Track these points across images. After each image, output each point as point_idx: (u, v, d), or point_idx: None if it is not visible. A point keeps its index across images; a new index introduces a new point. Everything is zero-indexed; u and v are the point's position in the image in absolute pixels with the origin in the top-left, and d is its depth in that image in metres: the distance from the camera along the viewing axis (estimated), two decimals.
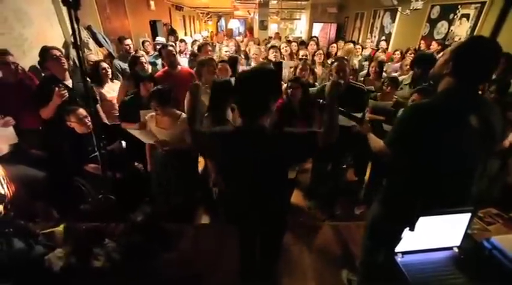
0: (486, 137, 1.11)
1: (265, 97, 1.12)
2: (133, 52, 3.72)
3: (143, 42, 4.60)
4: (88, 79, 2.50)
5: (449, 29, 4.72)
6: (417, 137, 1.13)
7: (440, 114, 1.10)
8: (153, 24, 6.92)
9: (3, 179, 1.52)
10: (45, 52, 2.29)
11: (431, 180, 1.16)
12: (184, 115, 2.17)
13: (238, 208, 1.42)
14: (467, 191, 1.22)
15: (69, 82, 2.33)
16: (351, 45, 4.99)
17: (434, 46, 4.43)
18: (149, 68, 3.22)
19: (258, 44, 5.47)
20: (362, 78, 3.41)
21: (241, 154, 1.17)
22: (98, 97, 2.62)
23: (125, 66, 3.48)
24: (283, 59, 3.86)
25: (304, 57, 3.56)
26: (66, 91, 2.16)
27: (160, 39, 5.70)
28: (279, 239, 1.60)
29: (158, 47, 3.85)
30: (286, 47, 4.00)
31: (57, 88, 2.11)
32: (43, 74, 2.77)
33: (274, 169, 1.23)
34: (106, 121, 2.63)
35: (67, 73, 2.34)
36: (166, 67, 2.83)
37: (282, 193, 1.41)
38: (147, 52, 4.33)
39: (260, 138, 1.14)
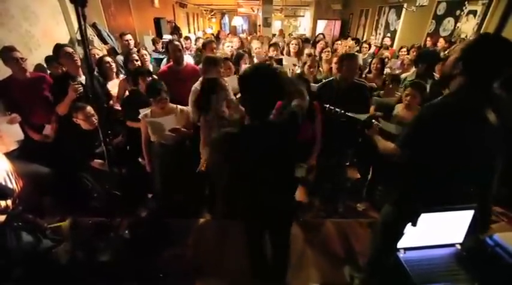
0: (506, 133, 1.10)
1: (272, 98, 1.17)
2: (133, 48, 3.70)
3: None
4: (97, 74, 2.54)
5: (455, 25, 4.65)
6: (433, 136, 1.11)
7: (454, 112, 1.08)
8: (157, 22, 6.93)
9: (12, 175, 1.55)
10: (59, 49, 2.33)
11: (446, 180, 1.14)
12: (180, 107, 2.21)
13: (246, 203, 1.43)
14: (485, 189, 1.19)
15: (82, 79, 2.37)
16: (352, 42, 5.06)
17: (441, 43, 4.36)
18: (150, 66, 3.24)
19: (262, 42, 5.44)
20: (364, 76, 3.40)
21: (253, 149, 1.21)
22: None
23: None
24: (289, 55, 3.84)
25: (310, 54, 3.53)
26: (80, 85, 2.22)
27: (168, 37, 5.74)
28: (287, 233, 1.60)
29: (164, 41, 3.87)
30: (296, 44, 3.93)
31: (71, 83, 2.18)
32: (49, 71, 2.81)
33: (284, 161, 1.28)
34: None
35: (80, 69, 2.38)
36: (171, 63, 2.82)
37: (290, 187, 1.45)
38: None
39: (269, 131, 1.20)
